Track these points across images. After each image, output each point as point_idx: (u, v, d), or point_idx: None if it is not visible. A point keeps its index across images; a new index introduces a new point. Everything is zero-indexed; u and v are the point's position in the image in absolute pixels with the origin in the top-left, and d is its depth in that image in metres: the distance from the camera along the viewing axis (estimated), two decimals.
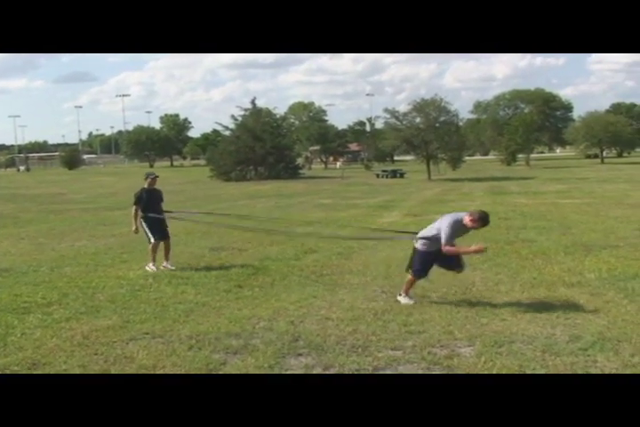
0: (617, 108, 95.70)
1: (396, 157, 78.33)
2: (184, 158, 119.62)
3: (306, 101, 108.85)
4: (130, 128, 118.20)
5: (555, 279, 8.87)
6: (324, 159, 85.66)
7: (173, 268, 10.48)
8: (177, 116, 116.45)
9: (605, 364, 5.30)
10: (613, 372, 5.08)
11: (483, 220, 7.56)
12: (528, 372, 5.11)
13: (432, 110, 47.55)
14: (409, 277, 7.94)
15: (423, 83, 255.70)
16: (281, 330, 6.59)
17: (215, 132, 73.81)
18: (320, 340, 6.19)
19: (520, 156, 71.88)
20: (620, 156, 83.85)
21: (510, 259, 10.76)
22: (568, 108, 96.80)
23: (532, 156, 76.50)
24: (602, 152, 73.92)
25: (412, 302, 7.74)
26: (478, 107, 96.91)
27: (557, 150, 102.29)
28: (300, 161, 66.10)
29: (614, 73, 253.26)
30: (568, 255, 10.88)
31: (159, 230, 10.71)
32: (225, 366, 5.61)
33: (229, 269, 10.37)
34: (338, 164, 74.13)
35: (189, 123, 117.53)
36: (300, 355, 5.80)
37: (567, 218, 17.45)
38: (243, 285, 9.14)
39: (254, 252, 12.47)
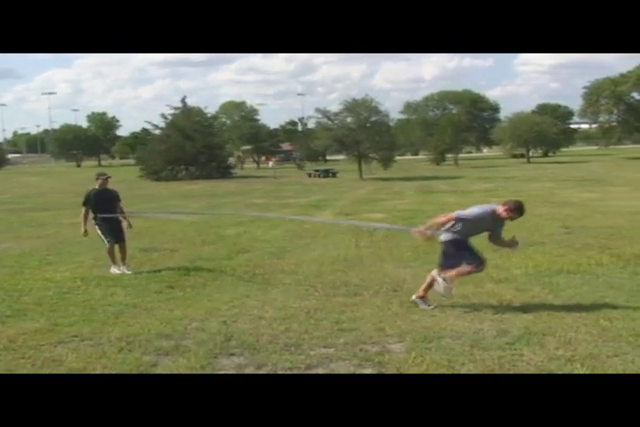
0: (542, 109, 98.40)
1: (328, 157, 78.71)
2: (112, 158, 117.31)
3: (237, 101, 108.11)
4: (56, 127, 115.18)
5: (483, 276, 9.01)
6: (257, 159, 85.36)
7: (130, 272, 9.98)
8: (104, 114, 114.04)
9: (531, 357, 5.45)
10: (538, 365, 5.23)
11: (519, 209, 7.26)
12: (457, 367, 5.22)
13: (363, 110, 48.02)
14: (465, 268, 7.31)
15: (354, 83, 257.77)
16: (213, 330, 6.53)
17: (145, 130, 72.41)
18: (253, 339, 6.17)
19: (449, 155, 73.28)
20: (545, 155, 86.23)
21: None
22: (495, 108, 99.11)
23: (461, 155, 78.03)
24: (528, 152, 75.91)
25: (430, 306, 7.26)
26: (408, 107, 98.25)
27: (485, 150, 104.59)
28: (231, 160, 65.66)
29: (540, 75, 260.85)
30: (496, 252, 11.04)
31: (112, 232, 10.33)
32: (156, 367, 5.53)
33: (160, 270, 10.23)
34: (270, 163, 73.94)
35: (117, 121, 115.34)
36: (232, 355, 5.77)
37: None
38: (174, 285, 9.03)
39: (186, 252, 12.33)
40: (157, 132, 58.21)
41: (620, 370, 5.05)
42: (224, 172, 54.65)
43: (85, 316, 7.37)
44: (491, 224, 7.31)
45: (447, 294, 7.28)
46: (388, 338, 6.14)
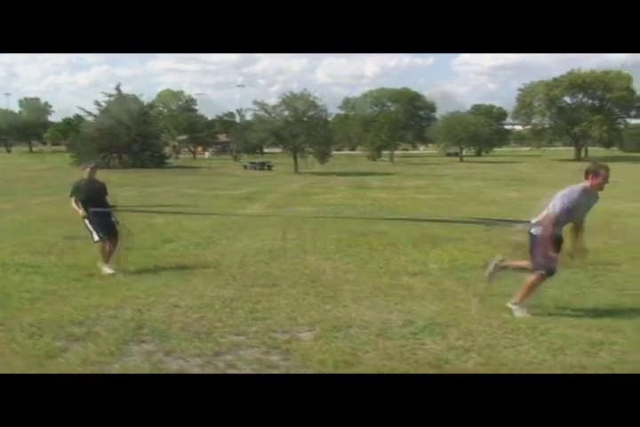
0: (477, 110, 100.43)
1: (266, 150, 78.63)
2: (44, 144, 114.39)
3: (175, 90, 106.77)
4: None
5: (399, 269, 9.33)
6: (193, 149, 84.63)
7: (111, 271, 9.11)
8: (37, 99, 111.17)
9: (432, 346, 5.69)
10: (437, 354, 5.47)
11: (601, 168, 6.71)
12: (360, 354, 5.41)
13: (301, 104, 48.20)
14: (531, 277, 6.87)
15: (295, 76, 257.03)
16: (126, 317, 6.57)
17: (78, 117, 71.05)
18: (165, 327, 6.24)
19: (385, 152, 74.17)
20: (478, 155, 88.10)
21: (362, 250, 11.18)
22: (431, 107, 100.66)
23: (397, 152, 79.12)
24: (461, 151, 77.49)
25: (527, 314, 6.75)
26: (347, 103, 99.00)
27: (420, 148, 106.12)
28: (167, 150, 64.96)
29: (478, 75, 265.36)
30: (416, 247, 11.43)
31: (104, 227, 9.43)
32: (65, 353, 5.55)
33: (82, 259, 10.14)
34: (206, 154, 73.47)
35: (50, 107, 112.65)
36: (143, 342, 5.83)
37: (421, 212, 18.24)
38: (94, 274, 9.00)
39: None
40: (91, 119, 57.12)
41: (512, 360, 5.33)
42: (158, 161, 54.10)
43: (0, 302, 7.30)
44: (586, 203, 6.81)
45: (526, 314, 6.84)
46: (299, 327, 6.30)
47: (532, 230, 6.90)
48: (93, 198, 9.45)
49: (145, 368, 5.11)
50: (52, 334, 6.04)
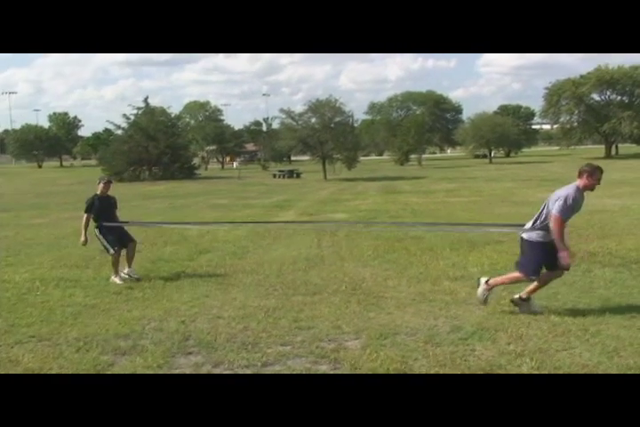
0: (504, 110, 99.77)
1: (293, 158, 78.81)
2: (74, 158, 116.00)
3: (201, 101, 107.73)
4: (17, 127, 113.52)
5: (439, 274, 9.22)
6: (221, 159, 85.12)
7: (137, 276, 9.43)
8: (66, 114, 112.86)
9: (483, 352, 5.59)
10: (489, 359, 5.36)
11: (596, 169, 6.77)
12: (410, 362, 5.33)
13: (327, 111, 48.23)
14: (516, 273, 7.11)
15: (319, 84, 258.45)
16: (171, 330, 6.57)
17: (107, 131, 71.97)
18: (210, 338, 6.22)
19: (413, 156, 73.86)
20: (507, 156, 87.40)
21: (399, 255, 11.08)
22: (458, 109, 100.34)
23: (424, 156, 78.88)
24: (490, 152, 76.85)
25: (539, 310, 6.87)
26: (372, 108, 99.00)
27: (448, 151, 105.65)
28: (195, 161, 65.41)
29: (502, 76, 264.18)
30: (453, 251, 11.31)
31: (117, 239, 9.58)
32: (113, 366, 5.54)
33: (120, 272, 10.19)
34: (235, 164, 73.87)
35: (79, 121, 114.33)
36: (189, 353, 5.81)
37: (455, 215, 18.09)
38: (134, 286, 9.03)
39: (147, 253, 12.29)
40: (120, 132, 57.77)
41: (567, 363, 5.21)
42: (188, 172, 54.45)
43: (43, 317, 7.34)
44: (582, 202, 6.87)
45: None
46: (345, 335, 6.23)
47: (524, 235, 6.98)
48: (105, 213, 9.68)
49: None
50: (99, 348, 6.04)
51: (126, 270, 9.58)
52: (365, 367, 5.21)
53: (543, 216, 6.84)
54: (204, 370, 5.32)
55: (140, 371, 5.35)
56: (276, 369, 5.30)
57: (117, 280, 9.38)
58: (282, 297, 8.03)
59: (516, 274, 7.07)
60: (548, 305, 7.04)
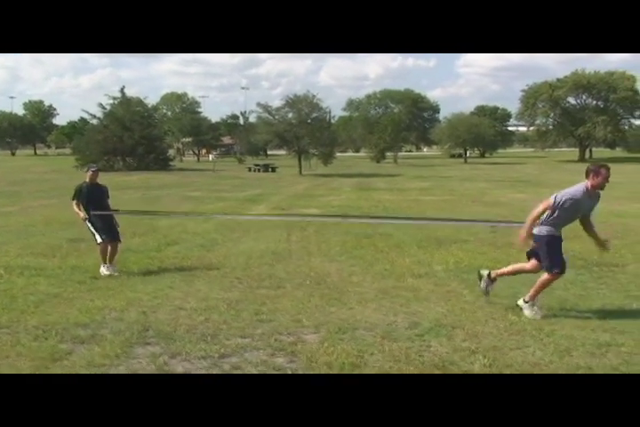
0: (481, 111, 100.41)
1: (269, 152, 78.70)
2: (48, 147, 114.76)
3: (179, 92, 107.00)
4: None
5: (404, 271, 9.31)
6: (197, 152, 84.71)
7: (116, 274, 9.19)
8: (41, 102, 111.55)
9: (438, 348, 5.67)
10: (443, 356, 5.45)
11: (601, 167, 6.71)
12: (366, 356, 5.40)
13: (304, 106, 48.28)
14: (544, 276, 6.90)
15: (299, 78, 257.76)
16: (131, 320, 6.57)
17: (82, 120, 71.21)
18: (170, 329, 6.23)
19: (389, 153, 74.16)
20: (482, 156, 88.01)
21: (367, 251, 11.16)
22: (435, 109, 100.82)
23: (400, 154, 79.16)
24: (465, 152, 77.40)
25: (540, 314, 6.76)
26: (350, 104, 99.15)
27: (424, 149, 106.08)
28: (171, 153, 65.06)
29: (481, 77, 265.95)
30: (421, 249, 11.42)
31: (107, 230, 9.45)
32: (71, 355, 5.54)
33: (86, 261, 10.16)
34: (210, 156, 73.59)
35: (54, 110, 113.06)
36: (148, 344, 5.82)
37: (425, 214, 18.21)
38: (98, 276, 9.02)
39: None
40: (95, 121, 57.28)
41: (519, 362, 5.30)
42: (162, 164, 54.17)
43: (5, 305, 7.31)
44: (588, 203, 6.85)
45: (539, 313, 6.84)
46: (304, 329, 6.28)
47: (535, 230, 6.88)
48: (95, 202, 9.53)
49: (150, 370, 5.10)
50: (58, 336, 6.03)
51: (110, 267, 9.35)
52: (321, 361, 5.27)
53: (551, 213, 6.78)
54: (161, 361, 5.34)
55: (97, 360, 5.36)
56: (233, 361, 5.34)
57: (105, 270, 9.25)
58: (246, 290, 8.07)
59: (545, 276, 6.90)
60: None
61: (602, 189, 6.77)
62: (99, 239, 9.43)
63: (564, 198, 6.70)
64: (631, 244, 11.61)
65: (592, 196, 6.81)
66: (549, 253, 6.81)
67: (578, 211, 6.81)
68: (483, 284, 7.45)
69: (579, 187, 6.74)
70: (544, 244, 6.82)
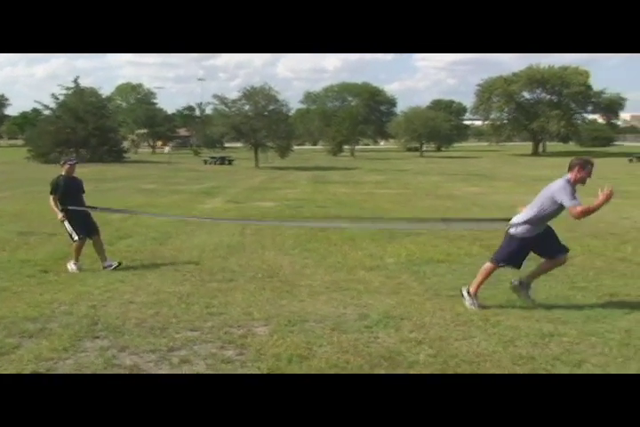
0: (437, 105, 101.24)
1: (226, 144, 78.29)
2: (0, 138, 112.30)
3: (134, 83, 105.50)
4: None
5: (356, 263, 9.41)
6: (152, 143, 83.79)
7: (115, 264, 9.02)
8: None
9: (385, 339, 5.76)
10: (390, 346, 5.54)
11: (587, 162, 6.72)
12: (314, 348, 5.46)
13: (261, 98, 48.14)
14: (486, 265, 7.04)
15: (257, 70, 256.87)
16: (81, 314, 6.52)
17: (35, 110, 69.86)
18: (119, 323, 6.21)
19: (346, 147, 74.39)
20: (438, 150, 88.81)
21: (320, 244, 11.23)
22: (392, 102, 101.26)
23: (358, 147, 79.48)
24: (421, 146, 78.02)
25: (475, 305, 6.86)
26: (308, 97, 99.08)
27: (381, 143, 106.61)
28: (125, 144, 64.24)
29: (438, 70, 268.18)
30: (373, 242, 11.53)
31: (83, 225, 9.12)
32: (19, 349, 5.49)
33: (36, 254, 10.06)
34: (166, 148, 72.84)
35: (6, 100, 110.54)
36: (97, 337, 5.79)
37: (380, 207, 18.40)
38: (48, 270, 8.92)
39: (65, 237, 12.07)
40: (48, 112, 56.24)
41: (464, 351, 5.42)
42: (116, 155, 53.50)
43: None
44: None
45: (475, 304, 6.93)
46: (255, 322, 6.32)
47: (511, 230, 6.91)
48: (71, 196, 9.18)
49: (98, 364, 5.09)
50: (5, 330, 5.96)
51: (104, 264, 9.09)
52: (270, 353, 5.31)
53: (538, 212, 6.74)
54: (109, 354, 5.33)
55: (45, 354, 5.32)
56: (182, 354, 5.35)
57: (73, 267, 8.95)
58: (197, 283, 8.07)
59: (486, 265, 7.03)
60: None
61: (583, 183, 6.73)
62: (75, 237, 9.07)
63: (570, 192, 6.55)
64: (580, 237, 11.87)
65: (573, 190, 6.71)
66: (506, 249, 6.93)
67: (562, 206, 6.70)
68: (522, 292, 7.14)
69: (563, 182, 6.66)
70: (510, 240, 6.90)
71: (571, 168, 6.72)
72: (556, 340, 5.79)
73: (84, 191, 9.55)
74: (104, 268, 9.02)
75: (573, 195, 6.53)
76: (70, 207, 9.06)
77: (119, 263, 9.10)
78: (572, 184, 6.67)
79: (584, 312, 6.69)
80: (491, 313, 6.63)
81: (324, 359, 5.18)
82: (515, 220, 6.92)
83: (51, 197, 9.20)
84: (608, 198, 6.41)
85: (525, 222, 6.79)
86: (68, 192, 9.16)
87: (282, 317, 6.45)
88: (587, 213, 6.50)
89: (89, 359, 5.23)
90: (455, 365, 5.11)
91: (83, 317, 6.42)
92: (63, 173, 9.31)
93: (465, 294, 7.01)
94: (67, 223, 9.11)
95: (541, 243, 6.90)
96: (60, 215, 9.07)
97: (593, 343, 5.67)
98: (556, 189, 6.64)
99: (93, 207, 9.68)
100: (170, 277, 8.42)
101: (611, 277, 8.50)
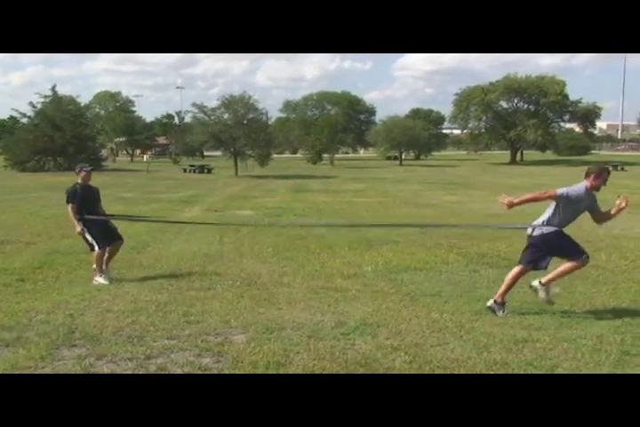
0: (416, 114, 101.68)
1: (206, 153, 78.06)
2: None
3: (113, 91, 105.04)
4: None
5: (334, 272, 9.47)
6: (131, 152, 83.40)
7: (107, 282, 8.64)
8: None
9: (362, 346, 5.82)
10: (366, 353, 5.60)
11: (603, 171, 6.99)
12: (291, 355, 5.51)
13: (240, 107, 48.04)
14: (571, 264, 7.06)
15: (236, 79, 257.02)
16: (58, 322, 6.52)
17: (12, 118, 69.28)
18: (97, 331, 6.21)
19: (325, 155, 74.48)
20: (417, 158, 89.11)
21: (299, 253, 11.28)
22: (371, 111, 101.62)
23: (337, 156, 79.62)
24: (400, 154, 78.28)
25: (549, 299, 7.10)
26: (287, 106, 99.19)
27: (361, 151, 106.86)
28: (103, 153, 63.89)
29: (416, 80, 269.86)
30: (352, 250, 11.59)
31: (104, 234, 8.83)
32: None
33: (13, 263, 10.01)
34: (145, 157, 72.51)
35: None
36: (74, 346, 5.80)
37: (358, 215, 18.49)
38: (25, 279, 8.90)
39: (43, 245, 12.08)
40: (25, 120, 55.81)
41: (439, 358, 5.50)
42: (95, 164, 52.84)
43: None
44: (587, 202, 7.02)
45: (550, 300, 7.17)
46: (232, 330, 6.35)
47: (529, 231, 7.15)
48: (89, 205, 8.84)
49: (76, 372, 5.09)
50: None
51: (104, 272, 8.86)
52: (247, 361, 5.35)
53: (552, 213, 6.99)
54: (87, 362, 5.33)
55: (21, 363, 5.32)
56: (159, 362, 5.37)
57: (103, 280, 8.66)
58: (175, 292, 8.08)
59: (569, 264, 7.06)
60: (430, 302, 7.36)
61: (597, 190, 7.02)
62: (97, 249, 8.78)
63: (567, 193, 6.90)
64: None
65: (590, 196, 7.04)
66: (566, 244, 7.01)
67: (577, 210, 7.02)
68: (542, 293, 7.18)
69: (580, 186, 6.96)
70: (555, 237, 6.98)
71: (587, 175, 6.98)
72: (529, 346, 5.89)
73: (99, 199, 9.17)
74: (102, 279, 8.70)
75: (568, 195, 6.87)
76: (88, 217, 8.74)
77: (111, 279, 8.77)
78: (589, 191, 6.96)
79: (557, 319, 6.81)
80: (466, 320, 6.72)
81: (301, 366, 5.23)
82: (535, 222, 7.15)
83: (69, 207, 8.80)
84: (622, 209, 6.97)
85: (548, 224, 6.99)
86: (85, 201, 8.81)
87: (259, 324, 6.49)
88: (537, 194, 7.13)
89: (66, 367, 5.25)
90: (430, 371, 5.19)
91: (60, 325, 6.42)
92: (79, 181, 8.96)
93: (537, 285, 7.14)
94: (86, 234, 8.78)
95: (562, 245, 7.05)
96: (79, 229, 8.72)
97: (565, 349, 5.78)
98: (570, 188, 6.97)
99: (111, 215, 9.47)
100: (147, 286, 8.42)
101: (584, 283, 8.61)
